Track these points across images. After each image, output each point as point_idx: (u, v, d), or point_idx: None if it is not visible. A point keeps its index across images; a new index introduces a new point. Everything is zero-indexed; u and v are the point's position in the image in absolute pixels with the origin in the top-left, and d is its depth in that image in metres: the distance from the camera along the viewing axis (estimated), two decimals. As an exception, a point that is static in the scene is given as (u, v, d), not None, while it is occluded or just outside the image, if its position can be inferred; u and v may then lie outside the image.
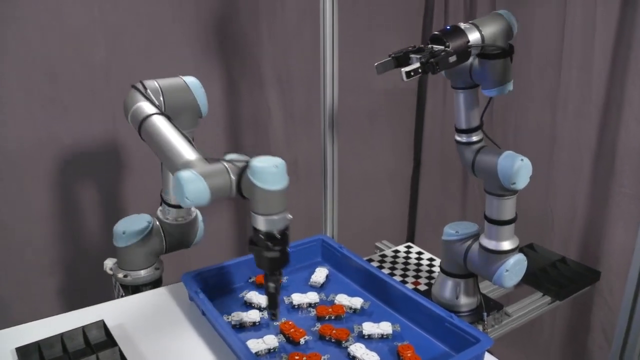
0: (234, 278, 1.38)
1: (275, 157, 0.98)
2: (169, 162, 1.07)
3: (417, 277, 1.54)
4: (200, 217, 1.52)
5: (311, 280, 1.39)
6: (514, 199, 1.21)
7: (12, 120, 1.66)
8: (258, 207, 0.98)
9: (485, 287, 1.52)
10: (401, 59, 1.06)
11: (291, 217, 1.00)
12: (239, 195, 1.00)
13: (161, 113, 1.20)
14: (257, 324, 1.23)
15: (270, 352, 1.14)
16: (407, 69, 1.00)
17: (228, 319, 1.23)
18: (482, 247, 1.25)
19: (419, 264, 1.61)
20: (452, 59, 1.02)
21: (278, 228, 0.99)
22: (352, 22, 2.29)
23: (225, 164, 1.00)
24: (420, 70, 1.00)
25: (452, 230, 1.33)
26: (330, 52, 1.64)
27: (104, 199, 1.85)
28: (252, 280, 1.39)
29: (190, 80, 1.35)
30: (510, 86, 1.14)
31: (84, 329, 1.15)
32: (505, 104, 2.22)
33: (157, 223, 1.46)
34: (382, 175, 2.58)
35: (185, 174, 0.95)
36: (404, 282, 1.51)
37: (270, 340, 1.15)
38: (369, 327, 1.20)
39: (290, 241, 1.03)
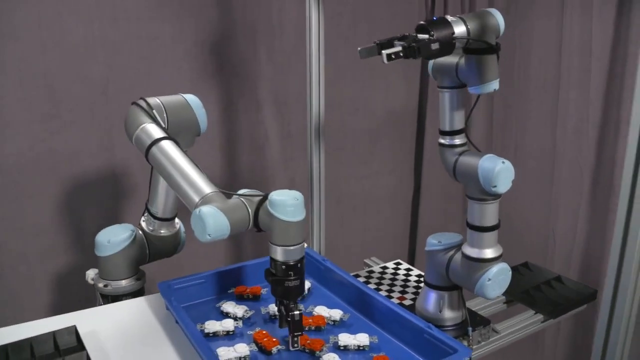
0: (214, 289, 1.37)
1: (293, 191, 1.03)
2: (185, 195, 1.10)
3: (403, 292, 1.50)
4: (182, 229, 1.52)
5: (292, 292, 1.36)
6: (496, 205, 1.18)
7: (11, 136, 1.69)
8: (278, 238, 1.02)
9: (476, 304, 1.47)
10: (385, 46, 1.05)
11: (307, 245, 1.05)
12: (255, 229, 1.05)
13: (169, 138, 1.21)
14: (231, 333, 1.21)
15: (240, 360, 1.11)
16: (388, 51, 1.00)
17: (201, 327, 1.20)
18: (464, 255, 1.22)
19: (406, 280, 1.57)
20: (435, 46, 1.02)
21: (296, 258, 1.04)
22: (352, 43, 2.31)
23: (242, 199, 1.05)
24: (401, 54, 1.00)
25: (435, 241, 1.30)
26: (317, 68, 1.67)
27: (99, 212, 1.86)
28: (231, 291, 1.37)
29: (191, 98, 1.37)
30: (496, 84, 1.12)
31: (54, 334, 1.14)
32: (504, 123, 2.20)
33: (140, 232, 1.45)
34: (382, 197, 2.56)
35: (207, 210, 0.99)
36: (390, 297, 1.47)
37: (242, 349, 1.13)
38: (345, 338, 1.16)
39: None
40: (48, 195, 1.77)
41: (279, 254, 1.04)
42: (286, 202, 1.00)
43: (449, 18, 1.07)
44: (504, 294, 1.49)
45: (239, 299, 1.34)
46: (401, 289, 1.53)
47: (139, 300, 1.35)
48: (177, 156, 1.16)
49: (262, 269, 1.35)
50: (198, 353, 1.07)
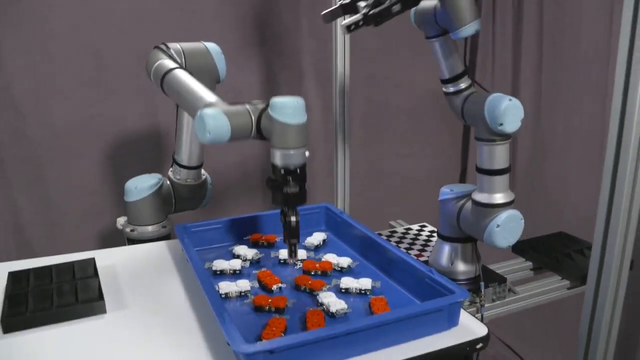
0: (231, 235, 1.40)
1: (294, 96, 1.01)
2: (190, 106, 1.12)
3: (422, 250, 1.47)
4: (209, 181, 1.57)
5: (305, 241, 1.37)
6: (505, 147, 1.14)
7: (61, 100, 1.81)
8: (277, 142, 1.01)
9: (500, 267, 1.42)
10: (349, 7, 1.03)
11: (309, 154, 1.03)
12: (259, 136, 1.04)
13: (182, 68, 1.27)
14: (238, 272, 1.23)
15: (240, 295, 1.13)
16: (347, 22, 0.97)
17: (210, 265, 1.24)
18: (473, 202, 1.18)
19: (428, 240, 1.54)
20: (396, 8, 0.99)
21: (296, 163, 1.02)
22: (395, 19, 2.30)
23: (247, 105, 1.04)
24: (361, 24, 0.97)
25: (447, 189, 1.27)
26: (342, 47, 1.71)
27: (141, 173, 1.95)
28: (247, 238, 1.40)
29: (211, 46, 1.43)
30: (477, 25, 1.08)
31: (73, 264, 1.22)
32: (552, 105, 2.11)
33: (168, 182, 1.52)
34: (426, 176, 2.51)
35: (208, 111, 1.00)
36: (408, 253, 1.45)
37: (243, 284, 1.15)
38: (347, 282, 1.16)
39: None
40: (94, 157, 1.89)
41: (278, 158, 1.02)
42: (286, 104, 0.99)
43: None
44: (531, 259, 1.45)
45: (254, 245, 1.37)
46: (421, 247, 1.50)
47: (160, 244, 1.41)
48: (188, 78, 1.20)
49: (279, 219, 1.40)
50: (199, 284, 1.10)
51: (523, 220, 1.18)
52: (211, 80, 1.41)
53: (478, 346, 1.00)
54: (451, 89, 1.20)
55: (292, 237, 1.08)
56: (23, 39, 1.72)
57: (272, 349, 0.85)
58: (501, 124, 1.08)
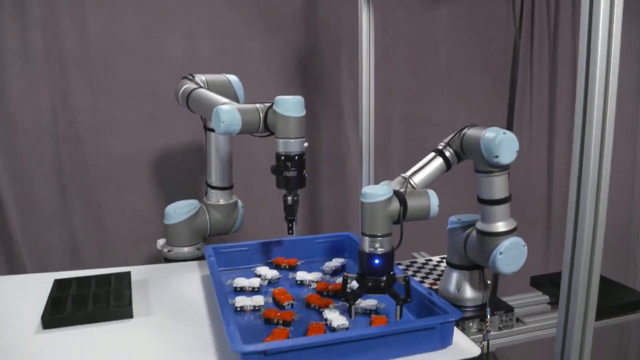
0: (256, 257, 1.50)
1: (296, 95, 1.22)
2: (209, 111, 1.29)
3: (437, 279, 1.52)
4: (240, 204, 1.69)
5: (324, 265, 1.46)
6: (503, 177, 1.19)
7: (118, 132, 2.01)
8: (280, 132, 1.22)
9: (514, 300, 1.45)
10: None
11: (307, 144, 1.23)
12: (265, 130, 1.24)
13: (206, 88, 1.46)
14: (256, 289, 1.33)
15: (254, 309, 1.23)
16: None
17: (231, 282, 1.35)
18: (477, 230, 1.24)
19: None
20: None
21: (295, 150, 1.21)
22: (434, 64, 2.40)
23: (257, 105, 1.25)
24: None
25: (454, 219, 1.33)
26: (367, 83, 1.85)
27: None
28: (271, 261, 1.50)
29: (232, 77, 1.61)
30: None
31: (111, 275, 1.36)
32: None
33: (204, 207, 1.65)
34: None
35: (223, 106, 1.21)
36: (422, 282, 1.50)
37: (257, 300, 1.25)
38: (354, 301, 1.23)
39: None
40: (144, 185, 2.06)
41: (280, 146, 1.21)
42: (287, 100, 1.20)
43: None
44: (548, 293, 1.47)
45: (276, 267, 1.47)
46: (437, 277, 1.55)
47: (192, 263, 1.54)
48: (209, 93, 1.40)
49: (304, 244, 1.53)
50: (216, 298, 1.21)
51: (526, 247, 1.21)
52: None
53: (470, 366, 1.04)
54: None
55: (289, 214, 1.26)
56: (90, 78, 1.94)
57: (265, 350, 0.94)
58: (496, 156, 1.14)
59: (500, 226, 1.21)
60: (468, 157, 1.25)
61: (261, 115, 1.23)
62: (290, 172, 1.22)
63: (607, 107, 0.96)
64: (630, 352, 2.25)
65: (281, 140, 1.21)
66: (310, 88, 2.26)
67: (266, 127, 1.23)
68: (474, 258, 1.28)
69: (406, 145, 2.40)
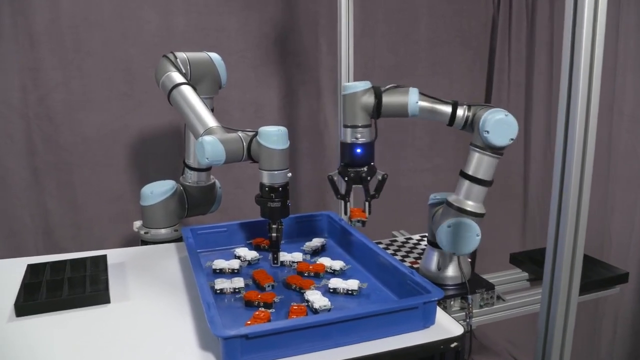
0: (235, 238, 1.48)
1: (279, 126, 1.19)
2: (193, 128, 1.30)
3: (418, 258, 1.52)
4: (218, 185, 1.66)
5: (305, 245, 1.44)
6: (493, 161, 1.19)
7: (93, 111, 1.96)
8: (264, 164, 1.19)
9: (495, 277, 1.45)
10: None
11: (290, 174, 1.21)
12: (249, 159, 1.22)
13: (188, 83, 1.40)
14: (236, 271, 1.31)
15: (234, 291, 1.21)
16: None
17: (210, 264, 1.33)
18: (446, 202, 1.24)
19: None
20: None
21: (279, 182, 1.19)
22: (413, 39, 2.38)
23: (239, 133, 1.22)
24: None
25: (432, 196, 1.33)
26: (347, 63, 1.81)
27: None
28: (250, 242, 1.48)
29: (214, 56, 1.56)
30: None
31: (87, 259, 1.33)
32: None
33: (181, 188, 1.62)
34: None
35: (207, 138, 1.18)
36: (403, 261, 1.50)
37: (237, 282, 1.23)
38: (335, 282, 1.22)
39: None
40: (120, 165, 2.02)
41: (264, 177, 1.19)
42: (271, 133, 1.16)
43: None
44: (527, 270, 1.48)
45: (256, 248, 1.45)
46: (417, 255, 1.55)
47: (169, 245, 1.51)
48: (192, 97, 1.35)
49: (284, 224, 1.47)
50: (196, 280, 1.19)
51: (479, 238, 1.21)
52: (214, 85, 1.56)
53: (453, 345, 1.04)
54: None
55: (273, 248, 1.26)
56: (60, 55, 1.88)
57: (247, 334, 0.92)
58: (487, 132, 1.14)
59: (470, 205, 1.21)
60: (470, 129, 1.23)
61: (245, 144, 1.19)
62: (275, 203, 1.21)
63: (592, 83, 0.95)
64: (603, 325, 2.30)
65: (266, 172, 1.19)
66: (289, 64, 2.22)
67: (249, 155, 1.20)
68: (432, 228, 1.28)
69: (385, 121, 2.38)
